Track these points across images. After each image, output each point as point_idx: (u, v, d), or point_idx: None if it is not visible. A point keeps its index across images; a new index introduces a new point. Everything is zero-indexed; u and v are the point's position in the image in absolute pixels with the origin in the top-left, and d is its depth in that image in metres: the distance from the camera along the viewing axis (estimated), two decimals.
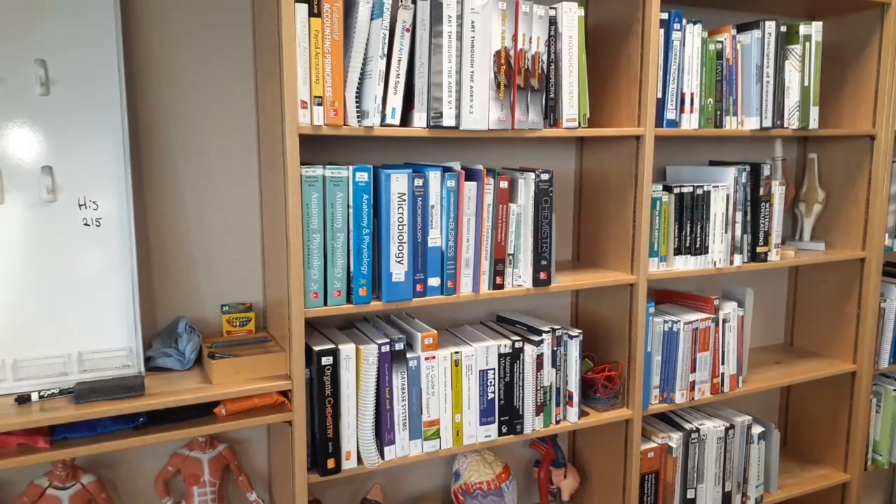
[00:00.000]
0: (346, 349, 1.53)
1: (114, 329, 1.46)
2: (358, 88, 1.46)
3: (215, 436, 1.68)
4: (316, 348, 1.51)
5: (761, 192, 1.95)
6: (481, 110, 1.55)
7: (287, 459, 1.56)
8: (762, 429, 2.11)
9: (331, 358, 1.51)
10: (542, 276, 1.68)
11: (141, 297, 1.46)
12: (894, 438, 2.36)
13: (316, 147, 1.73)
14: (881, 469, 2.48)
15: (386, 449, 1.59)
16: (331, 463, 1.54)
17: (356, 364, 1.54)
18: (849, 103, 2.21)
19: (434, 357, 1.62)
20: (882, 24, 2.09)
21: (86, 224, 1.43)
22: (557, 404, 1.79)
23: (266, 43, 1.52)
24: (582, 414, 1.84)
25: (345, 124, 1.46)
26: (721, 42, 1.86)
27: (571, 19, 1.65)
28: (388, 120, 1.50)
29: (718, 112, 1.88)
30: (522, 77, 1.58)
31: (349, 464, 1.56)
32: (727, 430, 2.03)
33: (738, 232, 1.94)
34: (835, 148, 2.27)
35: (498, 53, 1.55)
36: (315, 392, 1.51)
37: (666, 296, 2.09)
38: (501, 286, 1.65)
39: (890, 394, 2.33)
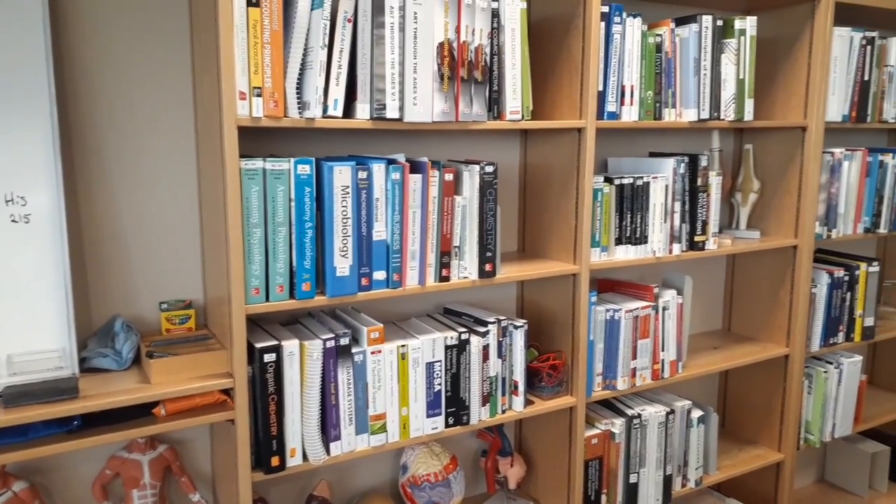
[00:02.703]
0: (290, 345, 1.50)
1: (46, 330, 1.40)
2: (299, 79, 1.43)
3: (156, 437, 1.64)
4: (258, 345, 1.48)
5: (699, 182, 2.00)
6: (425, 102, 1.54)
7: (230, 458, 1.53)
8: (701, 412, 2.17)
9: (273, 355, 1.49)
10: (488, 267, 1.69)
11: (74, 295, 1.41)
12: (825, 418, 2.47)
13: (257, 139, 1.69)
14: (813, 448, 2.59)
15: (332, 444, 1.58)
16: (275, 461, 1.51)
17: (300, 360, 1.52)
18: (781, 96, 2.28)
19: (380, 351, 1.62)
20: (813, 19, 2.16)
21: (13, 220, 1.37)
22: (503, 394, 1.80)
23: (203, 32, 1.48)
24: (527, 403, 1.86)
25: (285, 116, 1.43)
26: (660, 35, 1.89)
27: (514, 12, 1.65)
28: (331, 111, 1.47)
29: (658, 104, 1.92)
30: (466, 69, 1.58)
31: (294, 461, 1.54)
32: (668, 414, 2.08)
33: (677, 221, 1.99)
34: (769, 139, 2.34)
35: (441, 45, 1.54)
36: (258, 390, 1.48)
37: (608, 285, 2.13)
38: (448, 278, 1.65)
39: (821, 375, 2.43)
